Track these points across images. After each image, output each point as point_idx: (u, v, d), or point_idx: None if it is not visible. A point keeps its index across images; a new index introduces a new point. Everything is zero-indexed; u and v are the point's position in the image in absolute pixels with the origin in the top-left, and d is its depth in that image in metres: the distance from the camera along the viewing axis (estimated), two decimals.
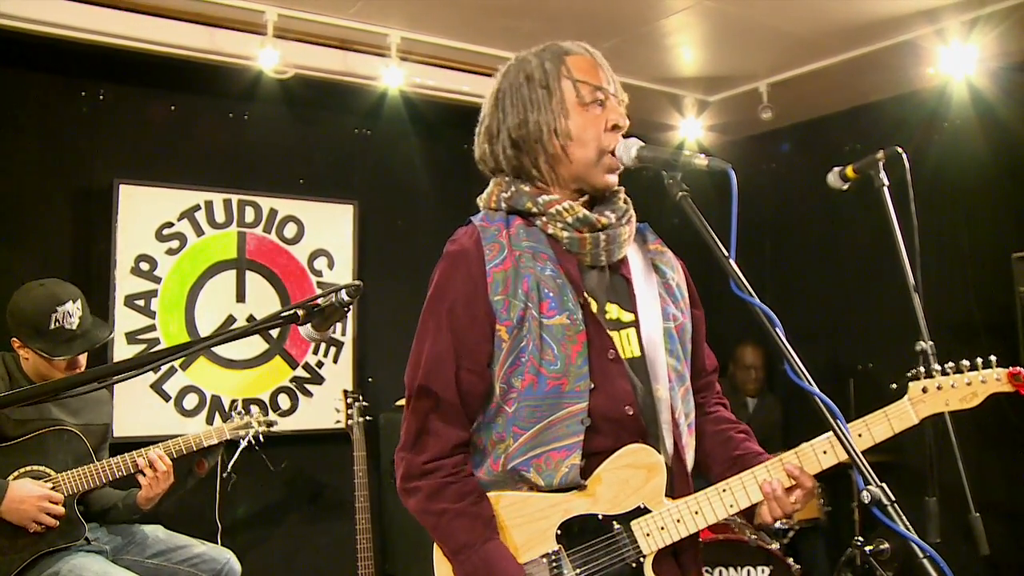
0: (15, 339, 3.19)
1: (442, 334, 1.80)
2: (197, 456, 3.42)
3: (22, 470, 3.09)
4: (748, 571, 3.99)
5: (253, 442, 3.57)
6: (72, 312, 3.16)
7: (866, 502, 1.40)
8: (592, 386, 1.77)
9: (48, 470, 3.13)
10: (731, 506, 1.81)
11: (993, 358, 1.84)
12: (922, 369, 1.85)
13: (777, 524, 4.44)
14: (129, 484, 3.34)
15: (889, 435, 1.81)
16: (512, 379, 1.78)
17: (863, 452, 1.45)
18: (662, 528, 1.78)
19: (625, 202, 1.96)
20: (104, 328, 3.31)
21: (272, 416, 3.65)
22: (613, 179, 1.88)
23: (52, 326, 3.12)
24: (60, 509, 3.05)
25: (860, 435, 1.80)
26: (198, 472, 3.50)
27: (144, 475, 3.24)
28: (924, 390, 1.83)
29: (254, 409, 3.61)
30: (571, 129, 1.84)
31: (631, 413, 1.78)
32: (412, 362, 1.85)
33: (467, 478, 1.81)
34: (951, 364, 1.85)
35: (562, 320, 1.78)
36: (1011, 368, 1.82)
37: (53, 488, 3.06)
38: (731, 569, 4.00)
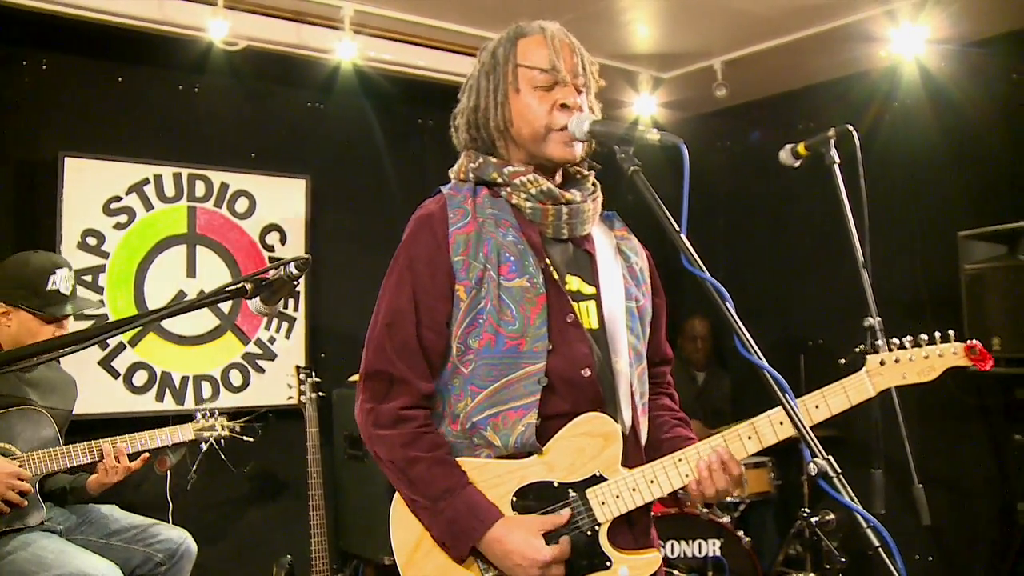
0: (1, 303, 3.14)
1: (403, 289, 1.83)
2: (160, 453, 3.40)
3: None
4: (699, 544, 4.06)
5: (216, 445, 3.58)
6: (67, 279, 3.25)
7: (813, 474, 1.42)
8: (550, 347, 1.79)
9: (13, 448, 3.05)
10: (687, 475, 1.82)
11: (951, 332, 1.83)
12: (868, 345, 1.85)
13: (728, 497, 4.50)
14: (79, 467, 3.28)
15: (846, 407, 1.81)
16: (469, 340, 1.80)
17: (816, 425, 1.46)
18: (617, 496, 1.80)
19: (593, 185, 1.99)
20: (93, 301, 3.31)
21: (236, 424, 3.63)
22: (571, 151, 1.88)
23: (49, 287, 3.17)
24: (28, 487, 2.98)
25: (817, 406, 1.79)
26: (159, 469, 3.52)
27: (103, 463, 3.19)
28: (882, 363, 1.82)
29: (218, 413, 3.59)
30: (511, 115, 1.87)
31: (588, 375, 1.81)
32: (373, 320, 1.88)
33: (437, 431, 1.84)
34: (909, 338, 1.84)
35: (522, 283, 1.81)
36: (967, 342, 1.82)
37: (20, 467, 3.00)
38: (683, 542, 4.05)
